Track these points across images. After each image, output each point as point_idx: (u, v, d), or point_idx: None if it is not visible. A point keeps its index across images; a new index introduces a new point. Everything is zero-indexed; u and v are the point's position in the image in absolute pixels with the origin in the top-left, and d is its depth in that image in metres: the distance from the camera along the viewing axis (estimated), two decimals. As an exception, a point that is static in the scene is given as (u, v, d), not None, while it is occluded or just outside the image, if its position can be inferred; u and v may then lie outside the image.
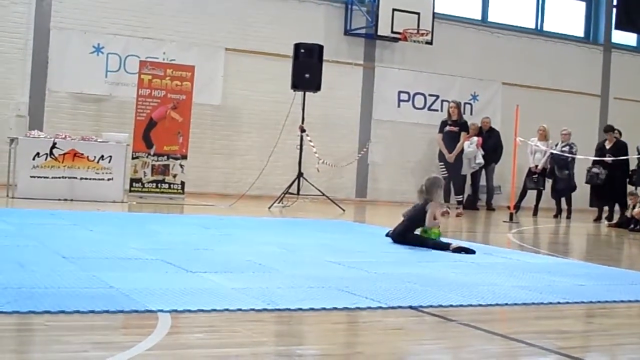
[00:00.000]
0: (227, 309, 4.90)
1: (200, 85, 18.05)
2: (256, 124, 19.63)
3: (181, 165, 17.00)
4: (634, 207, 16.16)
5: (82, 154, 14.73)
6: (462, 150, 18.10)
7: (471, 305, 5.61)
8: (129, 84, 17.97)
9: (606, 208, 18.57)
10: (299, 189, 16.37)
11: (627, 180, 18.53)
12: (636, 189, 17.21)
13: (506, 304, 5.81)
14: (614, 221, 17.17)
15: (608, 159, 17.98)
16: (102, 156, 14.84)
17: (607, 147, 18.55)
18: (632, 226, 15.82)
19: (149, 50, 18.58)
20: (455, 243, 9.24)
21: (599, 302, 6.16)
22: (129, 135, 16.24)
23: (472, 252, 8.96)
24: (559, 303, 5.95)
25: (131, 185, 16.68)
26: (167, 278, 6.00)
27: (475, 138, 19.93)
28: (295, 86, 16.64)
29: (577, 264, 9.05)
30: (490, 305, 5.72)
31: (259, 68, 19.59)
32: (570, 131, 19.54)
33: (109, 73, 18.46)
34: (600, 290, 6.67)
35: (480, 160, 19.99)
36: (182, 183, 17.05)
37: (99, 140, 15.25)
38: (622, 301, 6.26)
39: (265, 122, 19.39)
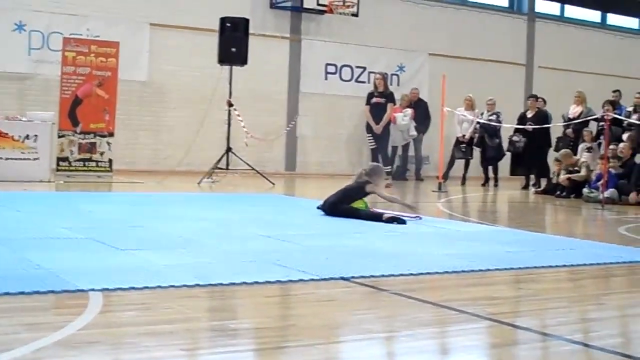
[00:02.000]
0: (159, 286, 4.86)
1: (126, 62, 17.57)
2: (184, 100, 19.33)
3: (108, 143, 16.62)
4: (559, 174, 16.17)
5: (7, 134, 14.41)
6: (389, 122, 17.98)
7: (402, 275, 5.61)
8: (53, 62, 17.45)
9: (533, 176, 18.66)
10: (228, 164, 16.21)
11: (551, 148, 18.55)
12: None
13: (437, 273, 5.83)
14: (541, 188, 17.24)
15: (528, 127, 18.03)
16: (28, 135, 14.54)
17: (529, 115, 18.57)
18: (558, 192, 15.84)
19: (73, 26, 18.06)
20: (388, 213, 9.25)
21: (527, 268, 6.22)
22: (55, 113, 15.83)
23: (403, 222, 8.98)
24: (488, 270, 5.99)
25: (58, 165, 16.23)
26: (97, 257, 5.90)
27: (410, 110, 19.78)
28: (222, 60, 16.43)
29: (506, 231, 9.13)
30: (421, 274, 5.73)
31: (185, 43, 19.26)
32: (495, 100, 19.61)
33: (32, 51, 18.00)
34: (528, 257, 6.74)
35: (413, 132, 19.93)
36: (110, 161, 16.70)
37: (23, 119, 14.95)
38: (549, 266, 6.33)
39: (192, 98, 19.10)
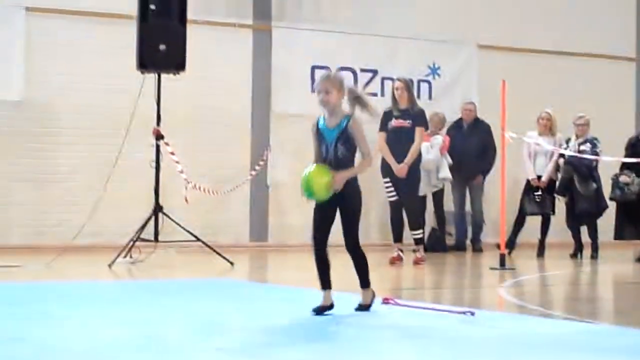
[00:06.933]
0: None
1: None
2: (82, 130, 15.96)
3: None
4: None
5: None
6: (420, 157, 14.40)
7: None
8: None
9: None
10: (157, 233, 13.79)
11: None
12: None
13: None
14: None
15: (646, 159, 15.31)
16: None
17: (646, 140, 16.03)
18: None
19: None
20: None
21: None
22: None
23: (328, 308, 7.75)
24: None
25: None
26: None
27: (440, 137, 16.42)
28: (144, 65, 13.79)
29: (614, 330, 7.74)
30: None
31: (83, 37, 15.94)
32: (589, 119, 15.75)
33: None
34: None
35: (445, 173, 16.57)
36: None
37: None
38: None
39: (97, 126, 15.86)
